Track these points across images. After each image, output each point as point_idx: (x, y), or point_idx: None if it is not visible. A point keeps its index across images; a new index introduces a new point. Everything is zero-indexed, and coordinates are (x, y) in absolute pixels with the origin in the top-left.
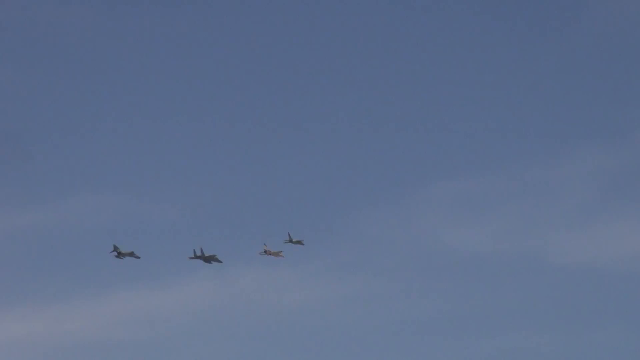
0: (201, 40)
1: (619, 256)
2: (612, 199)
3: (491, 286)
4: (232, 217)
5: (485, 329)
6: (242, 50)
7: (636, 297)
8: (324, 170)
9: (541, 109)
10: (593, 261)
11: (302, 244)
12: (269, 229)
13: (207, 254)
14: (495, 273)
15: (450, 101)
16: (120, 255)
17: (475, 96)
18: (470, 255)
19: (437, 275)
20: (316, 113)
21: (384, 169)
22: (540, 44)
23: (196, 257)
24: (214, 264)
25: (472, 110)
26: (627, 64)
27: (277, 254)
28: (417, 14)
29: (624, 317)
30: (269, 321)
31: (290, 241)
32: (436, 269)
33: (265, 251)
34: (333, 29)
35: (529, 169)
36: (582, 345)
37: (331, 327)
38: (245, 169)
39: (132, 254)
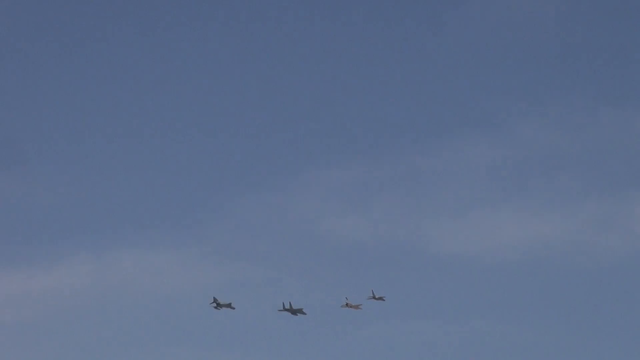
0: None
1: (497, 246)
2: (492, 189)
3: (370, 274)
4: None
5: (364, 316)
6: None
7: (511, 286)
8: (204, 157)
9: (423, 99)
10: (472, 250)
11: (384, 300)
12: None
13: (294, 307)
14: (374, 261)
15: (329, 90)
16: (218, 306)
17: (355, 85)
18: (350, 243)
19: (316, 262)
20: (198, 101)
21: (263, 157)
22: (424, 33)
23: (284, 309)
24: (299, 315)
25: (352, 99)
26: (512, 57)
27: (357, 307)
28: None
29: (499, 305)
30: (148, 305)
31: (373, 297)
32: (315, 256)
33: (347, 304)
34: None
35: (409, 159)
36: (460, 332)
37: (211, 312)
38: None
39: (229, 306)
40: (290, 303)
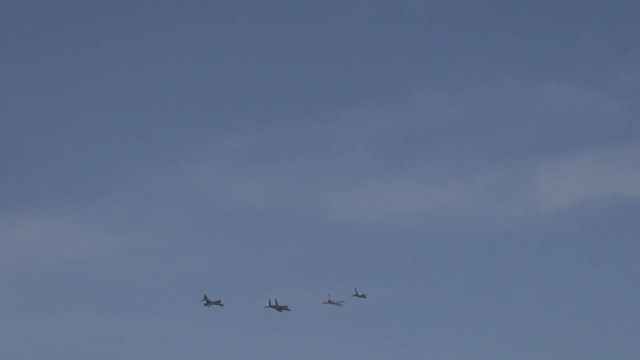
0: None
1: (395, 213)
2: (390, 158)
3: (268, 242)
4: None
5: (264, 284)
6: None
7: (409, 254)
8: (103, 126)
9: (322, 68)
10: (370, 218)
11: (366, 297)
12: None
13: (280, 304)
14: (272, 229)
15: (227, 58)
16: (208, 303)
17: (253, 53)
18: (248, 211)
19: (214, 230)
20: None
21: (161, 125)
22: (324, 4)
23: (271, 306)
24: (284, 312)
25: (251, 67)
26: (411, 27)
27: (338, 304)
28: None
29: (396, 272)
30: (48, 273)
31: (356, 295)
32: (213, 224)
33: (329, 301)
34: None
35: (308, 127)
36: (358, 300)
37: (108, 279)
38: None
39: (218, 303)
40: (276, 300)
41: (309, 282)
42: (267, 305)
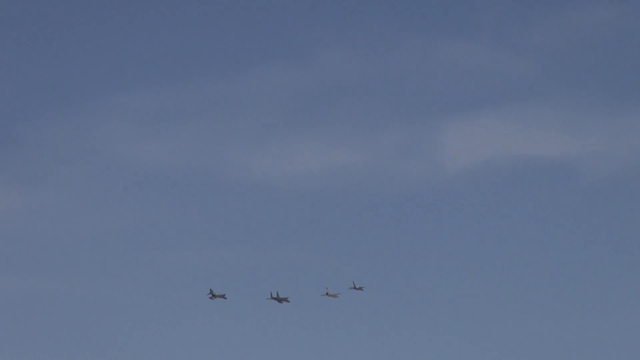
0: None
1: (299, 173)
2: (294, 117)
3: (171, 201)
4: None
5: (166, 243)
6: None
7: (313, 213)
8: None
9: (225, 29)
10: (273, 178)
11: (363, 290)
12: None
13: (281, 296)
14: (175, 188)
15: (133, 15)
16: (213, 297)
17: (160, 15)
18: (150, 170)
19: (115, 189)
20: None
21: (63, 80)
22: None
23: (272, 298)
24: (284, 303)
25: (155, 27)
26: None
27: (335, 296)
28: None
29: (300, 231)
30: None
31: (354, 287)
32: (114, 182)
33: (327, 293)
34: None
35: (210, 86)
36: (261, 258)
37: (7, 237)
38: None
39: (222, 296)
40: (277, 293)
41: (213, 241)
42: (269, 297)
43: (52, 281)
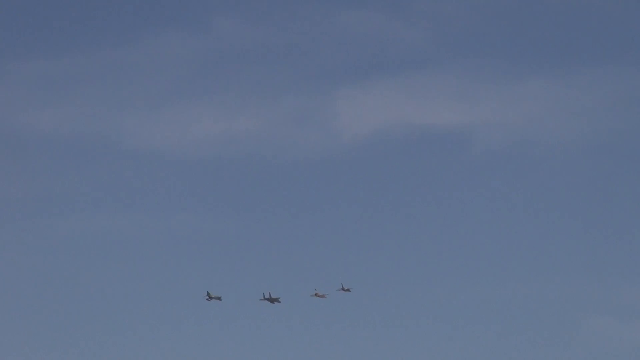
0: None
1: (193, 140)
2: (188, 84)
3: (66, 168)
4: None
5: (61, 209)
6: None
7: (207, 180)
8: None
9: None
10: (167, 145)
11: (350, 291)
12: None
13: (273, 296)
14: (69, 155)
15: None
16: (210, 298)
17: None
18: (44, 137)
19: (11, 155)
20: None
21: None
22: None
23: (265, 299)
24: (276, 303)
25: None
26: None
27: (323, 296)
28: None
29: (194, 198)
30: None
31: (342, 289)
32: (10, 149)
33: (315, 294)
34: None
35: (105, 52)
36: (156, 225)
37: None
38: None
39: (218, 298)
40: (270, 293)
41: (108, 208)
42: (262, 298)
43: None
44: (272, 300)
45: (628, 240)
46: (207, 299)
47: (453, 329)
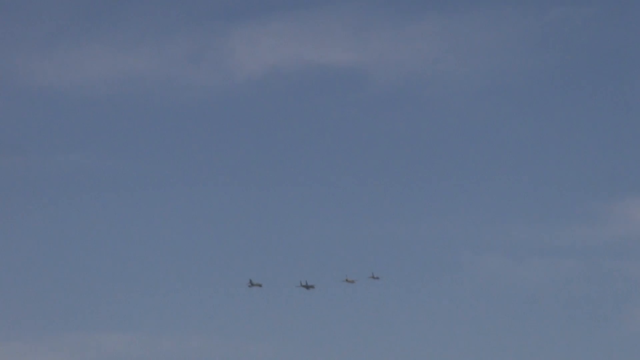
0: None
1: (86, 80)
2: (80, 22)
3: None
4: None
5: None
6: None
7: (100, 120)
8: None
9: None
10: (61, 84)
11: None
12: None
13: (309, 284)
14: None
15: None
16: (252, 285)
17: None
18: None
19: None
20: None
21: None
22: None
23: (302, 286)
24: (311, 290)
25: None
26: None
27: (352, 282)
28: None
29: (88, 138)
30: None
31: (372, 277)
32: None
33: (346, 280)
34: None
35: None
36: (47, 166)
37: None
38: None
39: (259, 285)
40: (306, 281)
41: (1, 145)
42: (299, 284)
43: None
44: (307, 287)
45: (517, 180)
46: (248, 286)
47: (324, 271)
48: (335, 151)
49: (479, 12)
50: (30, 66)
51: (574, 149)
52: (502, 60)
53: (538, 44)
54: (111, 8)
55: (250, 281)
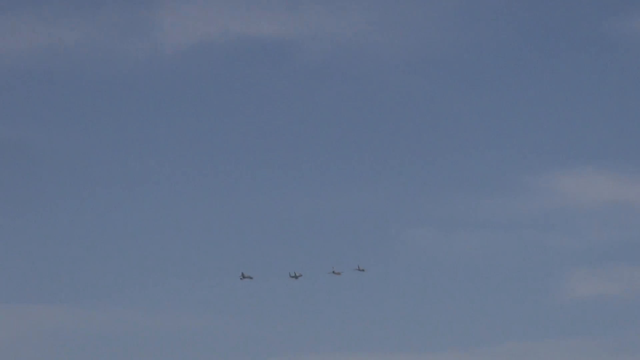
0: None
1: (12, 51)
2: None
3: None
4: None
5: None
6: None
7: (29, 92)
8: None
9: None
10: None
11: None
12: None
13: (297, 274)
14: None
15: None
16: (243, 278)
17: None
18: None
19: None
20: None
21: None
22: None
23: (292, 276)
24: (299, 278)
25: None
26: None
27: (338, 274)
28: None
29: (18, 111)
30: None
31: (358, 269)
32: None
33: (333, 272)
34: None
35: None
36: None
37: None
38: None
39: (250, 277)
40: (295, 272)
41: None
42: (291, 275)
43: None
44: (296, 276)
45: (446, 153)
46: (240, 278)
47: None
48: (264, 123)
49: None
50: None
51: (503, 122)
52: (431, 31)
53: (467, 15)
54: None
55: (242, 274)
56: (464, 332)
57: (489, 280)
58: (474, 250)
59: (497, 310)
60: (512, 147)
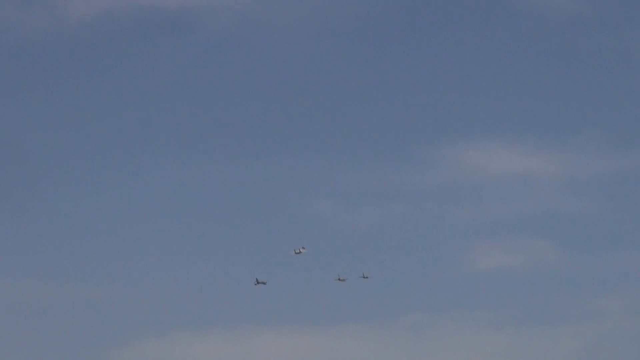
0: None
1: None
2: None
3: None
4: None
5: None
6: None
7: None
8: None
9: None
10: None
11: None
12: None
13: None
14: None
15: None
16: (258, 283)
17: None
18: None
19: None
20: None
21: None
22: None
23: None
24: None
25: None
26: None
27: (343, 280)
28: None
29: None
30: None
31: (363, 276)
32: None
33: (338, 279)
34: None
35: None
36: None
37: None
38: None
39: (264, 282)
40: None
41: None
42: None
43: None
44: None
45: (347, 125)
46: (255, 284)
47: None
48: (163, 95)
49: None
50: None
51: (404, 95)
52: (331, 4)
53: None
54: None
55: (257, 279)
56: (366, 305)
57: (392, 251)
58: (377, 222)
59: (401, 282)
60: (417, 119)
